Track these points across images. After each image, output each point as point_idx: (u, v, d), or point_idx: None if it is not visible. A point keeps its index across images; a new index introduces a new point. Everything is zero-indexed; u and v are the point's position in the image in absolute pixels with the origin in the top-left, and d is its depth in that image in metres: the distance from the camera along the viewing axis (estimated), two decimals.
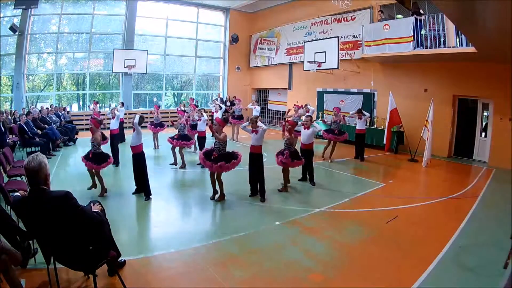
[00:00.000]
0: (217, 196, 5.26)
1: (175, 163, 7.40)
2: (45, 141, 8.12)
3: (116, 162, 7.31)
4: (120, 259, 3.10)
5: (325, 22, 12.28)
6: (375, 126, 10.39)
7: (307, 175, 6.34)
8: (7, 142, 6.93)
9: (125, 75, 13.76)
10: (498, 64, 7.59)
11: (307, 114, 7.99)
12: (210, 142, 8.16)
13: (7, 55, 11.76)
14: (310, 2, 12.76)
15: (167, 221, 4.61)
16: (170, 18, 14.78)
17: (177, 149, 7.34)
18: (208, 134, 6.73)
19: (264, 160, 5.48)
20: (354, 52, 10.99)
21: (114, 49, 13.23)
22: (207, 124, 7.25)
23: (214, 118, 9.95)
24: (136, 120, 5.17)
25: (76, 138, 10.36)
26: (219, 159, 5.01)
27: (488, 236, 4.13)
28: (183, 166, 7.28)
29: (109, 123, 7.76)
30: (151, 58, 14.43)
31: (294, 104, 9.54)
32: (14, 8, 11.09)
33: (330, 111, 11.00)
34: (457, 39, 7.79)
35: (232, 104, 13.00)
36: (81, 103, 14.13)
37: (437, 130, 8.28)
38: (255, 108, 10.93)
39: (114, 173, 6.95)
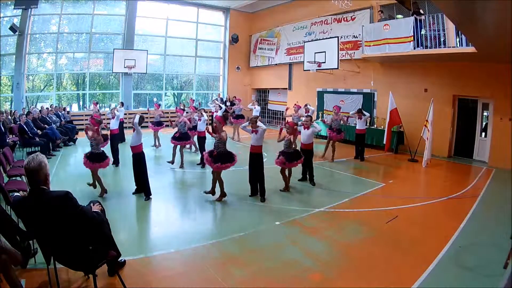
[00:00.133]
0: (217, 196, 5.26)
1: (172, 162, 7.40)
2: (45, 141, 8.12)
3: (116, 162, 7.32)
4: (120, 259, 3.10)
5: (325, 22, 12.28)
6: (375, 126, 10.39)
7: (307, 175, 6.34)
8: (7, 142, 6.93)
9: (125, 75, 13.76)
10: (498, 64, 7.59)
11: (306, 114, 8.01)
12: (210, 143, 8.18)
13: (7, 55, 11.76)
14: (310, 2, 12.76)
15: (167, 221, 4.61)
16: (170, 18, 14.78)
17: (177, 148, 7.36)
18: (208, 134, 6.74)
19: (264, 160, 5.48)
20: (354, 52, 10.99)
21: (114, 49, 13.23)
22: (206, 124, 7.26)
23: (214, 118, 9.97)
24: (136, 120, 5.16)
25: (76, 138, 10.36)
26: (218, 157, 5.02)
27: (488, 236, 4.13)
28: (181, 166, 7.30)
29: (109, 123, 7.76)
30: (151, 58, 14.43)
31: (295, 104, 9.54)
32: (14, 8, 11.09)
33: (330, 111, 11.00)
34: (457, 39, 7.79)
35: (232, 104, 13.00)
36: (81, 103, 14.13)
37: (437, 130, 8.27)
38: (255, 108, 10.93)
39: (114, 173, 6.95)
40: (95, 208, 2.82)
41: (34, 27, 12.18)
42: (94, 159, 5.29)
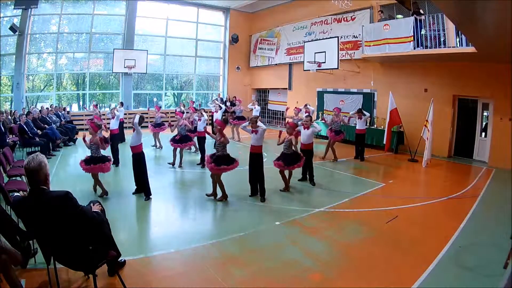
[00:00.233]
0: (218, 196, 5.26)
1: (173, 163, 7.42)
2: (45, 141, 8.12)
3: (116, 162, 7.32)
4: (120, 259, 3.10)
5: (325, 22, 12.28)
6: (375, 126, 10.39)
7: (307, 175, 6.34)
8: (7, 142, 6.93)
9: (125, 75, 13.76)
10: (498, 64, 7.59)
11: (306, 114, 8.00)
12: (210, 143, 8.19)
13: (7, 55, 11.76)
14: (310, 2, 12.77)
15: (167, 221, 4.61)
16: (170, 18, 14.79)
17: (177, 149, 7.36)
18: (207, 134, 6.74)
19: (264, 160, 5.48)
20: (354, 52, 10.99)
21: (114, 49, 13.24)
22: (206, 124, 7.27)
23: (214, 118, 9.96)
24: (136, 120, 5.16)
25: (76, 138, 10.35)
26: (218, 160, 5.02)
27: (488, 236, 4.13)
28: (180, 166, 7.32)
29: (109, 123, 7.76)
30: (151, 58, 14.43)
31: (295, 107, 9.54)
32: (14, 8, 11.10)
33: (331, 111, 11.00)
34: (457, 39, 7.78)
35: (233, 104, 12.99)
36: (81, 103, 14.14)
37: (437, 130, 8.27)
38: (255, 108, 10.93)
39: (114, 173, 6.94)
40: (95, 208, 2.82)
41: (34, 27, 12.18)
42: (94, 162, 5.24)
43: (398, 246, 3.81)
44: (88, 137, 5.43)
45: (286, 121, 6.11)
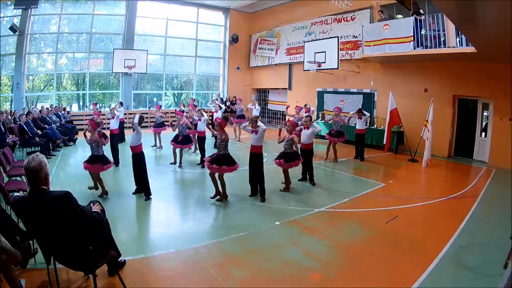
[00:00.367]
0: (218, 196, 5.26)
1: (175, 162, 7.44)
2: (45, 141, 8.12)
3: (116, 162, 7.32)
4: (120, 259, 3.10)
5: (325, 22, 12.28)
6: (375, 126, 10.39)
7: (307, 175, 6.34)
8: (7, 142, 6.93)
9: (125, 75, 13.76)
10: (498, 64, 7.59)
11: (306, 114, 8.00)
12: (210, 143, 8.19)
13: (7, 55, 11.76)
14: (310, 2, 12.77)
15: (167, 221, 4.61)
16: (170, 18, 14.78)
17: (177, 149, 7.37)
18: (208, 134, 6.74)
19: (264, 160, 5.48)
20: (354, 52, 10.99)
21: (114, 49, 13.24)
22: (206, 125, 7.26)
23: (214, 118, 9.96)
24: (136, 120, 5.16)
25: (76, 138, 10.36)
26: (220, 160, 5.01)
27: (488, 236, 4.13)
28: (180, 166, 7.32)
29: (109, 123, 7.76)
30: (151, 58, 14.43)
31: (296, 106, 9.54)
32: (14, 8, 11.10)
33: (331, 111, 11.00)
34: (457, 39, 7.79)
35: (233, 103, 12.99)
36: (81, 103, 14.14)
37: (437, 130, 8.27)
38: (255, 107, 10.93)
39: (114, 173, 6.94)
40: (95, 208, 2.82)
41: (34, 27, 12.18)
42: (95, 161, 5.25)
43: (398, 246, 3.81)
44: (88, 135, 5.44)
45: (287, 119, 6.09)
